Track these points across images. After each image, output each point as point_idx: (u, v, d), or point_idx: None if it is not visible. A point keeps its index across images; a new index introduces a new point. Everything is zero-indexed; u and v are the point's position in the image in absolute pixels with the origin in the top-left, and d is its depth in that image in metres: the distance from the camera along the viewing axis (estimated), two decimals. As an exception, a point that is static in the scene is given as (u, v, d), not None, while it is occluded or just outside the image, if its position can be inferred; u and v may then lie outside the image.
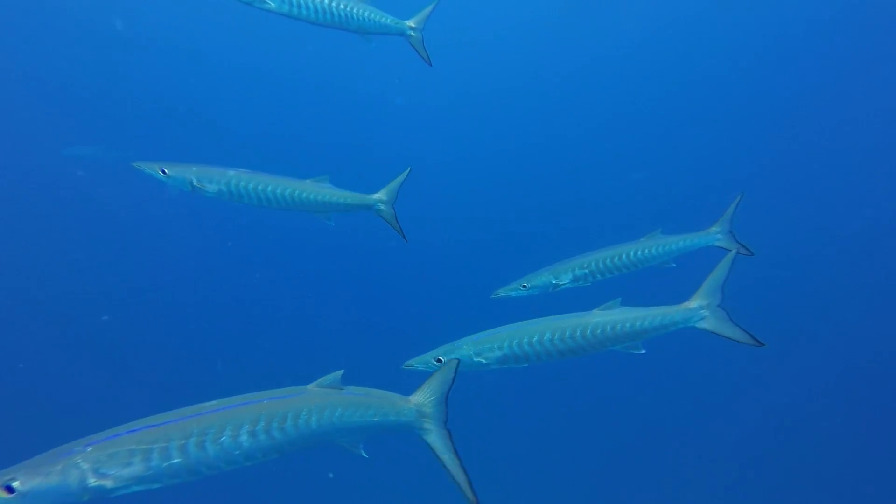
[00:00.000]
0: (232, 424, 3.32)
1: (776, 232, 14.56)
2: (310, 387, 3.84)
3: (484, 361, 5.10)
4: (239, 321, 14.07)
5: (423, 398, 4.05)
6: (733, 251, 5.41)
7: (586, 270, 6.92)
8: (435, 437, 3.97)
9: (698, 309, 5.28)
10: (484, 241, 16.73)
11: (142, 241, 15.79)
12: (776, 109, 20.31)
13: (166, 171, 6.01)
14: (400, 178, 6.67)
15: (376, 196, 6.75)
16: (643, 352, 5.29)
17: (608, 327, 5.14)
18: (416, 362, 5.06)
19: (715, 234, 7.62)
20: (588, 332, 5.12)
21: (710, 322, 5.26)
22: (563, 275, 6.84)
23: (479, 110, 21.16)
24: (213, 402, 3.45)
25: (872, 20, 19.75)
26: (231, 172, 6.22)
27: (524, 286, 6.75)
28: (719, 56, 21.19)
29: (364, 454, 3.84)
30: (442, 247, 16.52)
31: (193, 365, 12.69)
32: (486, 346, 5.11)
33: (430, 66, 7.49)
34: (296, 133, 19.98)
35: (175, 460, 3.11)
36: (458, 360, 4.17)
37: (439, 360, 4.96)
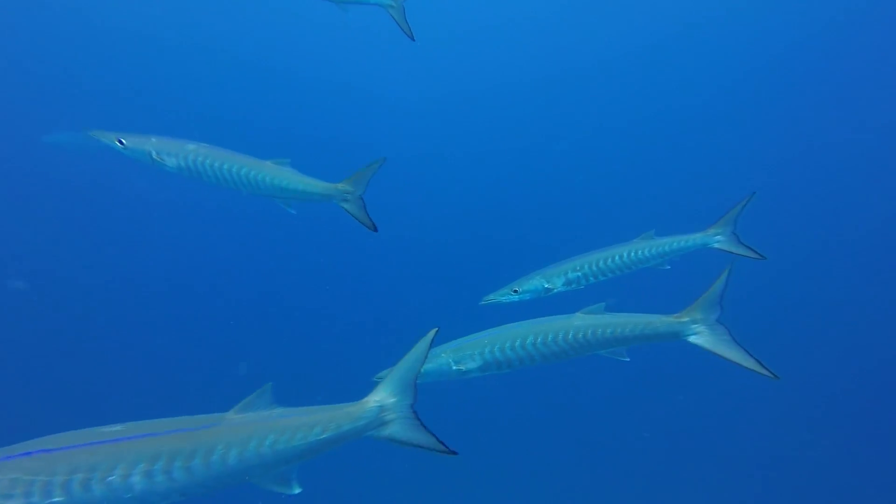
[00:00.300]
0: (125, 461, 2.78)
1: (779, 234, 14.34)
2: (230, 413, 3.26)
3: (464, 369, 4.89)
4: (220, 319, 13.76)
5: (386, 391, 3.61)
6: (727, 269, 4.97)
7: (579, 273, 6.71)
8: (398, 426, 3.56)
9: (690, 323, 4.99)
10: (472, 245, 16.41)
11: (124, 230, 15.45)
12: (775, 105, 20.04)
13: (124, 141, 5.67)
14: (371, 168, 6.06)
15: (340, 186, 6.11)
16: (627, 360, 5.09)
17: (590, 332, 4.96)
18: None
19: (713, 236, 7.37)
20: (570, 336, 4.94)
21: (703, 338, 4.96)
22: (555, 278, 6.62)
23: (468, 109, 20.78)
24: (119, 427, 2.94)
25: (880, 21, 19.49)
26: (190, 146, 5.81)
27: (515, 291, 6.50)
28: (715, 50, 20.90)
29: (298, 489, 3.31)
30: (428, 251, 16.19)
31: (175, 362, 12.44)
32: (465, 353, 4.90)
33: (413, 40, 7.03)
34: (288, 127, 19.61)
35: (56, 499, 2.64)
36: (437, 329, 3.72)
37: None
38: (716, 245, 7.33)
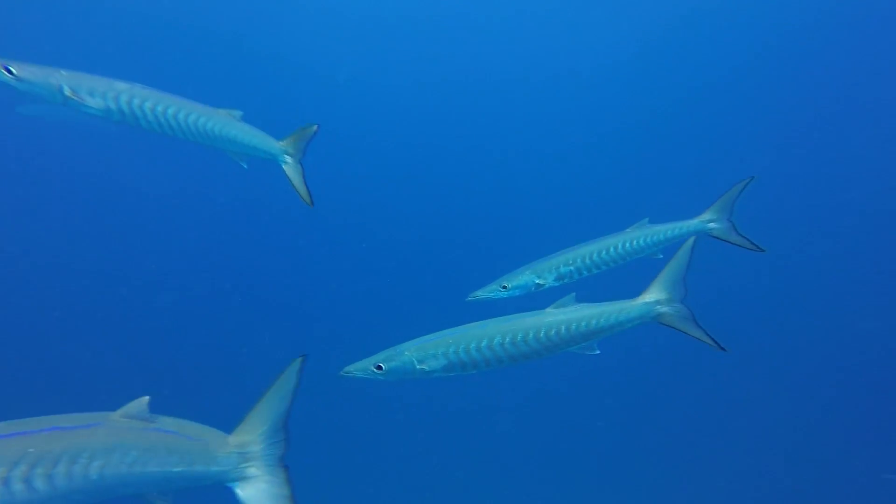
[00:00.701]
0: None
1: (773, 225, 14.04)
2: (115, 414, 2.92)
3: (427, 369, 4.62)
4: (207, 311, 13.49)
5: (248, 435, 3.11)
6: (690, 243, 4.93)
7: (572, 267, 6.46)
8: (260, 487, 3.04)
9: (654, 304, 4.93)
10: (459, 239, 16.01)
11: (106, 212, 15.02)
12: (770, 90, 19.51)
13: (13, 70, 4.61)
14: (306, 132, 5.85)
15: (281, 144, 5.83)
16: (598, 352, 4.93)
17: (563, 328, 4.74)
18: (355, 369, 4.61)
19: (707, 223, 7.12)
20: (542, 335, 4.71)
21: (667, 318, 4.94)
22: (546, 273, 6.38)
23: (454, 101, 20.14)
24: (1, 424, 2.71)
25: (878, 9, 18.89)
26: (121, 85, 5.08)
27: (504, 287, 6.27)
28: (709, 34, 20.21)
29: None
30: (414, 244, 15.72)
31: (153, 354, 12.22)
32: (429, 352, 4.63)
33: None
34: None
35: None
36: (301, 363, 3.25)
37: (379, 367, 4.56)
38: (711, 232, 7.09)
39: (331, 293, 14.66)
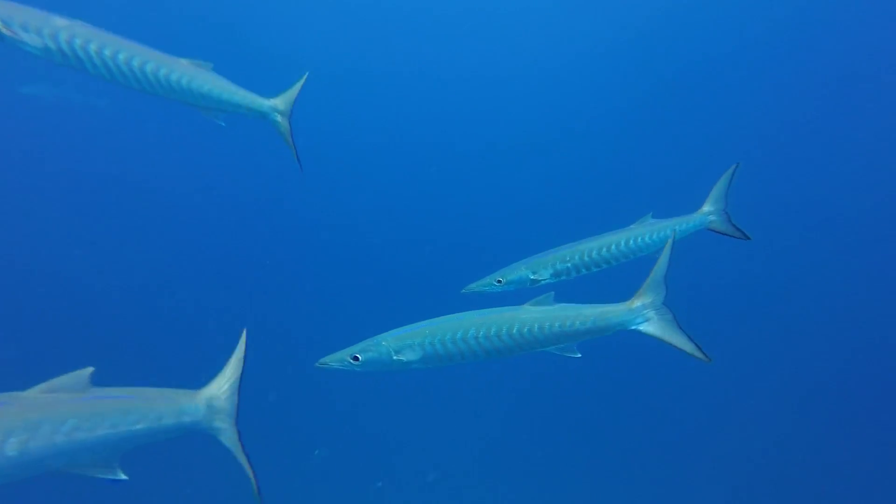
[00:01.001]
0: None
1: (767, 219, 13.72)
2: (31, 391, 2.78)
3: (404, 360, 4.54)
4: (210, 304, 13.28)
5: (217, 389, 3.34)
6: (669, 244, 4.67)
7: (569, 264, 6.24)
8: (229, 438, 3.29)
9: (641, 309, 4.71)
10: (459, 232, 15.77)
11: (105, 200, 14.83)
12: (769, 83, 19.11)
13: None
14: (298, 86, 5.47)
15: (271, 102, 5.39)
16: (579, 356, 4.76)
17: (536, 326, 4.60)
18: (331, 360, 4.52)
19: (707, 216, 6.89)
20: (515, 331, 4.59)
21: (653, 325, 4.69)
22: (542, 269, 6.17)
23: (450, 98, 19.81)
24: None
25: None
26: (60, 21, 4.39)
27: (499, 281, 6.11)
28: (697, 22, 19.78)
29: (123, 476, 2.92)
30: (414, 236, 15.49)
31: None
32: (405, 342, 4.55)
33: None
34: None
35: None
36: (244, 334, 3.51)
37: (356, 358, 4.47)
38: (710, 226, 6.88)
39: (329, 288, 14.52)
